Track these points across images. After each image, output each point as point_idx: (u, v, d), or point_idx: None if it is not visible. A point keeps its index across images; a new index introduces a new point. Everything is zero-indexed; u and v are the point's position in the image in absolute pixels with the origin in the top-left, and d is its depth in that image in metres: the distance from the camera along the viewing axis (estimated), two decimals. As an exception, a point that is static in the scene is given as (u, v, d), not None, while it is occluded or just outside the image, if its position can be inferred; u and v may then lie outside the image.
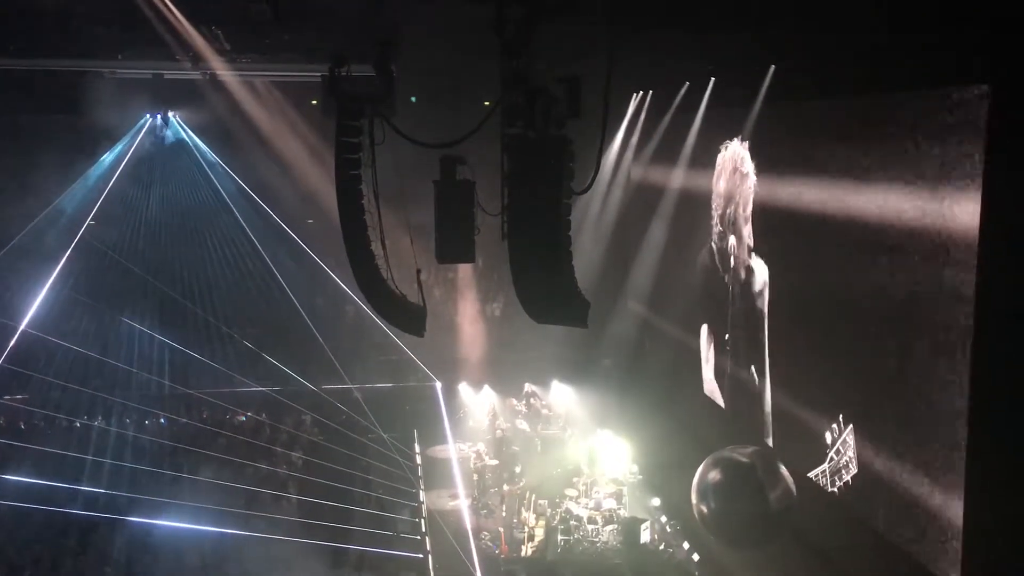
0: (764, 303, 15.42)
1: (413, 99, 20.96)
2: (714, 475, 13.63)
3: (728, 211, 16.60)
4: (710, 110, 16.93)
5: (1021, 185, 8.91)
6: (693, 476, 13.96)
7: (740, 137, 15.85)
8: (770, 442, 15.20)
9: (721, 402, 17.77)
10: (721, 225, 16.96)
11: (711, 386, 18.17)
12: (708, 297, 17.75)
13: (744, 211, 15.96)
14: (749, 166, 15.71)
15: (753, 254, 15.83)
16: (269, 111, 21.78)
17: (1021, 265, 8.94)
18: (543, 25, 8.71)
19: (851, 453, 12.70)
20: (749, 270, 15.98)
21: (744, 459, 13.61)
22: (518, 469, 17.85)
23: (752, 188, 15.61)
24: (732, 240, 16.47)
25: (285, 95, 21.79)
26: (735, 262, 16.48)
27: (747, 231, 15.92)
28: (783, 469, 13.28)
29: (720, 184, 16.89)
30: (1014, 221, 9.02)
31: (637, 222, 21.19)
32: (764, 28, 12.39)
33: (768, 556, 13.79)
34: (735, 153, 16.19)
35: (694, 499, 13.87)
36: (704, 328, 18.42)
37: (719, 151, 16.65)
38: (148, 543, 15.05)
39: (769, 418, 15.30)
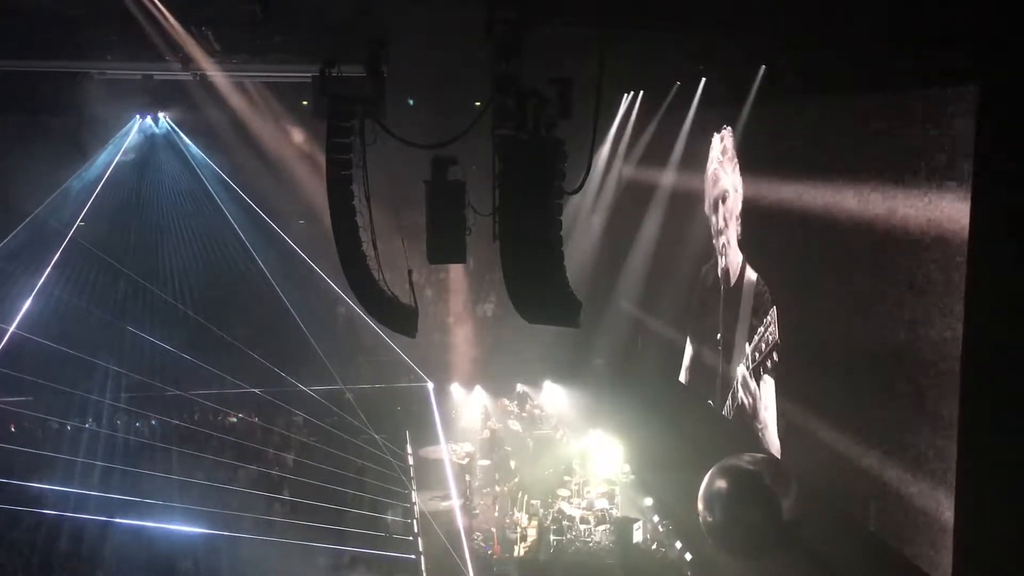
0: (753, 302, 15.47)
1: (411, 102, 21.01)
2: (721, 484, 13.57)
3: (719, 212, 16.65)
4: (701, 110, 16.98)
5: (1010, 184, 8.95)
6: (685, 476, 13.99)
7: (730, 137, 15.90)
8: (764, 443, 15.24)
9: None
10: (712, 226, 17.01)
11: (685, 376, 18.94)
12: (699, 297, 17.80)
13: (734, 212, 16.01)
14: (737, 167, 15.78)
15: (742, 254, 15.88)
16: (260, 112, 21.74)
17: (1011, 264, 8.98)
18: (534, 26, 8.72)
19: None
20: (738, 270, 16.03)
21: (752, 467, 13.61)
22: (513, 465, 17.87)
23: (741, 189, 15.67)
24: (723, 241, 16.51)
25: (276, 96, 21.74)
26: (725, 262, 16.53)
27: (736, 232, 15.98)
28: (792, 478, 13.27)
29: (710, 185, 16.94)
30: (1004, 220, 9.06)
31: (629, 222, 21.23)
32: (754, 28, 12.42)
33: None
34: (725, 153, 16.24)
35: (700, 507, 13.85)
36: (689, 338, 18.83)
37: (709, 150, 16.71)
38: (140, 545, 14.99)
39: (759, 417, 15.35)
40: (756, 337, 14.58)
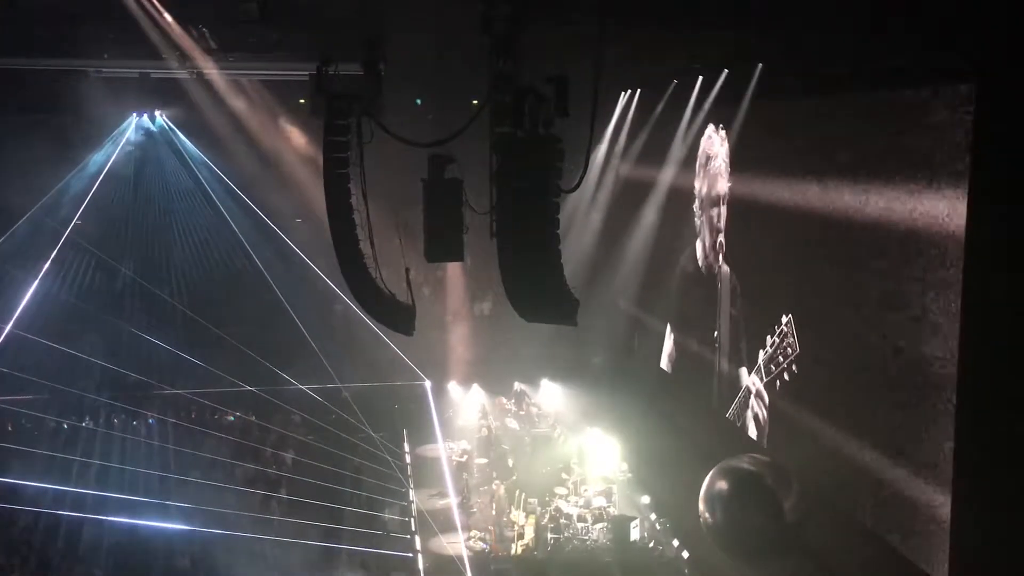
0: (750, 300, 15.47)
1: (418, 101, 21.01)
2: (723, 485, 13.53)
3: (720, 207, 16.64)
4: (697, 108, 16.98)
5: (1008, 183, 8.95)
6: (683, 474, 13.96)
7: (724, 135, 15.90)
8: (760, 440, 15.24)
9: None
10: (706, 223, 17.00)
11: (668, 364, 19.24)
12: (696, 295, 17.79)
13: (727, 209, 16.01)
14: (726, 164, 15.78)
15: (735, 252, 15.88)
16: (257, 110, 21.72)
17: (1008, 262, 8.98)
18: (531, 24, 8.70)
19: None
20: (732, 267, 16.03)
21: (754, 468, 13.59)
22: (511, 463, 17.87)
23: (737, 188, 15.67)
24: (721, 239, 16.51)
25: (273, 94, 21.73)
26: (721, 260, 16.53)
27: (728, 229, 15.98)
28: (794, 479, 13.26)
29: (710, 181, 16.93)
30: (1002, 219, 9.06)
31: (626, 220, 21.22)
32: (751, 27, 12.41)
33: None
34: (719, 151, 16.24)
35: (701, 508, 13.82)
36: (669, 325, 19.06)
37: (709, 147, 16.71)
38: (137, 544, 14.99)
39: (755, 415, 15.34)
40: (770, 348, 14.44)
